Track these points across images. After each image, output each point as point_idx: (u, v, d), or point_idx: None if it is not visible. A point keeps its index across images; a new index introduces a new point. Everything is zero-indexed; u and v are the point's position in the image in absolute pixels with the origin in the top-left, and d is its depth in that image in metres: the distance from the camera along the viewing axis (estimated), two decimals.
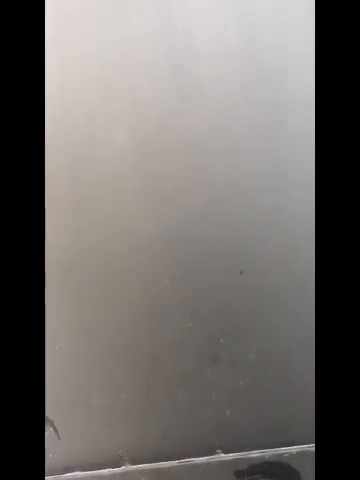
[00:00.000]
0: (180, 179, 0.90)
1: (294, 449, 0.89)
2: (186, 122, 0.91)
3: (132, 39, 0.93)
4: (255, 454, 0.91)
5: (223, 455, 0.93)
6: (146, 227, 0.89)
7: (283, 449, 0.90)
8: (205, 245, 0.88)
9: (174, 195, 0.89)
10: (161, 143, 0.91)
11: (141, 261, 0.90)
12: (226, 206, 0.88)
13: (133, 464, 0.97)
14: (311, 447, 0.88)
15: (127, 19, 0.92)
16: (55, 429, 0.96)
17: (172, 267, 0.89)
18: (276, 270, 0.87)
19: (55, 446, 0.97)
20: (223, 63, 0.93)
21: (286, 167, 0.90)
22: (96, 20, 0.90)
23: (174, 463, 0.95)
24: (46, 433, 0.96)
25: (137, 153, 0.91)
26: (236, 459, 0.91)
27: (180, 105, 0.92)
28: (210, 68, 0.93)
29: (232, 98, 0.91)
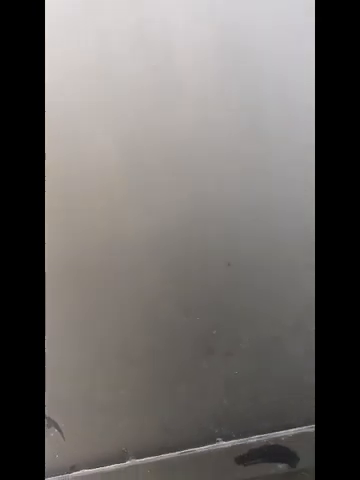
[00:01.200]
0: (164, 176, 0.92)
1: (291, 432, 0.93)
2: (167, 121, 0.93)
3: (108, 41, 0.93)
4: (254, 439, 0.94)
5: (223, 443, 0.96)
6: (135, 225, 0.92)
7: (280, 432, 0.93)
8: (193, 239, 0.91)
9: (160, 192, 0.92)
10: (144, 142, 0.93)
11: (132, 259, 0.93)
12: (211, 200, 0.91)
13: (138, 458, 1.00)
14: (307, 428, 0.92)
15: (104, 21, 0.91)
16: (59, 430, 0.99)
17: (163, 264, 0.92)
18: (262, 260, 0.90)
19: (61, 446, 1.00)
20: (201, 62, 0.94)
21: (269, 162, 0.93)
22: (72, 22, 0.91)
23: (176, 454, 0.98)
24: (51, 435, 0.99)
25: (120, 152, 0.93)
26: (236, 446, 0.95)
27: (161, 105, 0.94)
28: (189, 67, 0.94)
29: (212, 96, 0.93)
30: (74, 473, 1.00)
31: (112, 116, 0.91)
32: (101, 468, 1.02)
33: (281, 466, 0.92)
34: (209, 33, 0.94)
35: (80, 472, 1.00)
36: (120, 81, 0.92)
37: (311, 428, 0.91)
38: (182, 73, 0.94)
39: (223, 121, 0.93)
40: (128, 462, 1.01)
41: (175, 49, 0.93)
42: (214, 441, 0.96)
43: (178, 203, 0.91)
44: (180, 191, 0.91)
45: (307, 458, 0.91)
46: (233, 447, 0.95)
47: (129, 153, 0.93)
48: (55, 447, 0.99)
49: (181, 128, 0.92)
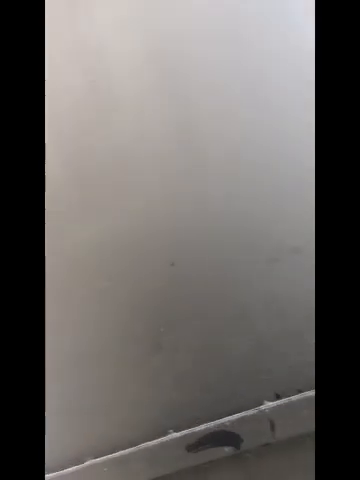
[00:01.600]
0: (107, 186, 1.03)
1: (234, 417, 1.02)
2: (105, 135, 1.03)
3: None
4: (202, 427, 1.03)
5: (175, 434, 1.03)
6: (83, 231, 1.02)
7: (225, 419, 1.02)
8: (139, 242, 1.01)
9: (104, 199, 1.02)
10: (82, 154, 1.03)
11: (78, 262, 1.02)
12: (156, 205, 1.02)
13: (96, 457, 1.05)
14: (248, 412, 1.02)
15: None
16: None
17: (109, 265, 1.01)
18: (203, 259, 1.01)
19: None
20: (137, 76, 1.04)
21: (205, 162, 1.04)
22: None
23: (132, 450, 1.04)
24: None
25: (62, 164, 1.02)
26: (186, 435, 1.02)
27: (98, 119, 1.03)
28: (125, 81, 1.04)
29: (149, 109, 1.04)
30: None
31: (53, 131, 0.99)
32: (59, 472, 1.06)
33: (227, 449, 1.01)
34: (141, 45, 1.04)
35: None
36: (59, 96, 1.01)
37: (252, 411, 1.01)
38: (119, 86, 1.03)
39: (158, 132, 1.04)
40: (86, 463, 1.06)
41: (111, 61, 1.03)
42: (166, 433, 1.04)
43: (121, 209, 1.02)
44: (122, 199, 1.02)
45: (249, 440, 1.01)
46: (184, 437, 1.02)
47: (70, 166, 1.02)
48: None
49: (117, 143, 1.02)
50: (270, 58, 1.05)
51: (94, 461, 1.05)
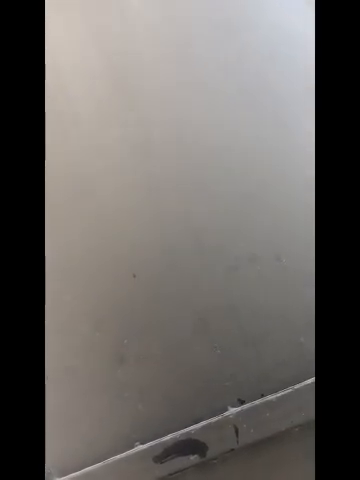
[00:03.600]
0: (63, 200, 1.05)
1: (199, 425, 1.04)
2: (65, 147, 1.06)
3: None
4: (168, 438, 1.04)
5: (141, 446, 1.04)
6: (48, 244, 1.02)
7: (191, 427, 1.04)
8: (99, 254, 1.03)
9: (60, 213, 1.04)
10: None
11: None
12: (112, 218, 1.05)
13: (62, 476, 1.04)
14: (213, 419, 1.04)
15: None
16: None
17: (71, 279, 1.02)
18: (164, 270, 1.04)
19: None
20: (92, 88, 1.09)
21: (162, 177, 1.08)
22: None
23: (99, 465, 1.04)
24: None
25: None
26: (152, 447, 1.03)
27: (58, 130, 1.06)
28: (81, 94, 1.09)
29: (105, 119, 1.09)
30: None
31: None
32: None
33: (193, 457, 1.03)
34: (97, 62, 1.08)
35: None
36: None
37: (217, 418, 1.03)
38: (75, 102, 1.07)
39: (115, 147, 1.07)
40: None
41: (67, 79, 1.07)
42: (133, 446, 1.04)
43: (83, 221, 1.03)
44: (81, 209, 1.04)
45: (215, 447, 1.03)
46: (150, 448, 1.03)
47: None
48: None
49: (76, 153, 1.06)
50: (222, 73, 1.15)
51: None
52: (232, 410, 1.03)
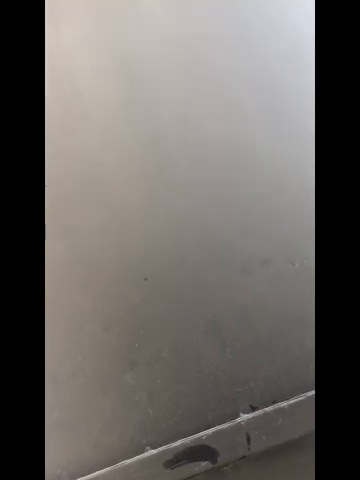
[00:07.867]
0: (74, 200, 1.06)
1: (210, 431, 1.02)
2: (73, 142, 1.08)
3: None
4: (178, 443, 1.03)
5: (152, 451, 1.03)
6: (56, 246, 1.03)
7: (202, 433, 1.03)
8: (111, 258, 1.03)
9: (73, 214, 1.05)
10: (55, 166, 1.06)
11: (51, 280, 1.02)
12: (126, 220, 1.05)
13: (72, 479, 1.04)
14: (224, 425, 1.02)
15: None
16: None
17: (83, 282, 1.02)
18: (175, 273, 1.04)
19: None
20: (103, 88, 1.11)
21: (170, 175, 1.09)
22: None
23: (109, 469, 1.03)
24: None
25: None
26: (163, 451, 1.02)
27: (67, 128, 1.08)
28: (92, 94, 1.11)
29: (113, 119, 1.10)
30: None
31: None
32: None
33: (204, 464, 1.01)
34: (110, 63, 1.11)
35: None
36: None
37: (228, 424, 1.02)
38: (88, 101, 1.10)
39: (126, 141, 1.09)
40: None
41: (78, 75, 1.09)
42: (143, 451, 1.03)
43: (96, 223, 1.04)
44: (94, 211, 1.04)
45: (226, 454, 1.02)
46: (161, 453, 1.02)
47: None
48: None
49: (84, 150, 1.07)
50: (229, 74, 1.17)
51: None
52: (244, 416, 1.01)
